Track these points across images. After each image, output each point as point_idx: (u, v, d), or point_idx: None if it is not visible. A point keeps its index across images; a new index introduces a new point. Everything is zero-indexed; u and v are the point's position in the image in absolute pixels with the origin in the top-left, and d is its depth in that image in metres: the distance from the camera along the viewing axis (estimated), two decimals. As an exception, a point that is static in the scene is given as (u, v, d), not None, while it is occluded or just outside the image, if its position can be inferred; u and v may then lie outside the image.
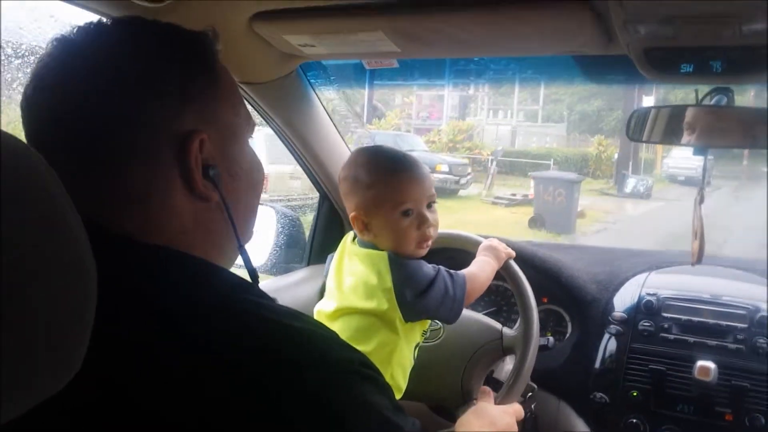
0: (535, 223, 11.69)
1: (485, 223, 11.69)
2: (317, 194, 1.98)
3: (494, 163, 17.54)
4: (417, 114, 23.82)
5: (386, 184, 1.27)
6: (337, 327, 1.26)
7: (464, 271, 1.37)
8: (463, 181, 15.61)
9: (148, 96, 0.67)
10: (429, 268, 1.29)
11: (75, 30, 0.70)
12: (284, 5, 1.15)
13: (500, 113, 25.70)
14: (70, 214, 0.48)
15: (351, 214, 1.30)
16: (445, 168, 15.00)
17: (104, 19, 0.73)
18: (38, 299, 0.44)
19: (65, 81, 0.67)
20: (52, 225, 0.46)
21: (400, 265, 1.26)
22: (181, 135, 0.68)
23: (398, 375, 1.29)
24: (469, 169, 16.30)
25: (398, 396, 1.30)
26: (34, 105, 0.68)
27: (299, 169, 1.87)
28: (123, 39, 0.70)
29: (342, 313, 1.28)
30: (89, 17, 0.77)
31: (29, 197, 0.44)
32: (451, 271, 1.33)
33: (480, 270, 1.40)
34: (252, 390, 0.57)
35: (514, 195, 14.76)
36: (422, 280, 1.26)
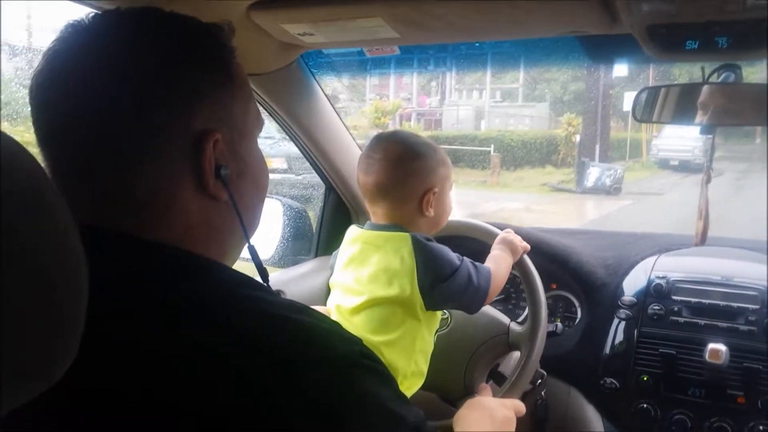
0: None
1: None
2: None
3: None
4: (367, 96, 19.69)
5: (447, 162, 1.37)
6: (359, 320, 1.26)
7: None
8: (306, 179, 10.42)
9: (162, 93, 0.65)
10: (454, 256, 1.28)
11: (90, 17, 0.68)
12: (282, -7, 1.14)
13: (475, 93, 22.22)
14: (60, 211, 0.47)
15: (433, 190, 1.32)
16: (283, 164, 8.61)
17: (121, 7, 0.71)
18: (26, 297, 0.43)
19: (76, 71, 0.65)
20: (40, 220, 0.45)
21: (424, 249, 1.25)
22: (195, 134, 0.66)
23: (421, 361, 1.29)
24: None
25: (420, 381, 1.31)
26: (43, 92, 0.67)
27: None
28: (139, 31, 0.68)
29: (365, 306, 1.27)
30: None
31: (19, 195, 0.44)
32: (476, 263, 1.32)
33: (497, 267, 1.39)
34: (248, 386, 0.56)
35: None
36: (447, 267, 1.26)
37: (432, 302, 1.25)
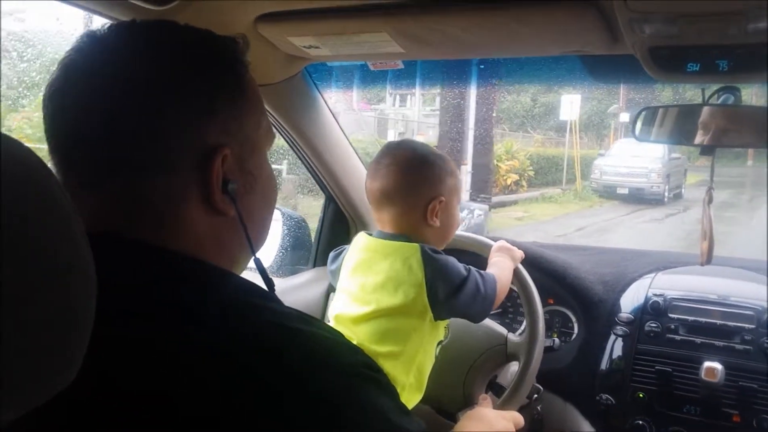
0: None
1: None
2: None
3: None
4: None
5: (456, 174, 1.37)
6: (363, 330, 1.26)
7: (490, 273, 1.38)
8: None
9: (175, 107, 0.66)
10: (461, 267, 1.29)
11: (106, 28, 0.69)
12: (288, 6, 1.15)
13: (410, 99, 16.58)
14: (72, 217, 0.48)
15: (440, 199, 1.31)
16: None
17: (137, 20, 0.72)
18: (37, 302, 0.44)
19: (91, 80, 0.66)
20: (52, 228, 0.46)
21: (434, 261, 1.25)
22: (206, 149, 0.67)
23: (422, 374, 1.29)
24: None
25: (418, 396, 1.31)
26: (58, 101, 0.67)
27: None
28: (155, 44, 0.69)
29: (369, 317, 1.26)
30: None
31: (31, 201, 0.44)
32: (481, 271, 1.33)
33: (501, 271, 1.40)
34: (255, 391, 0.57)
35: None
36: (456, 277, 1.26)
37: (440, 312, 1.26)
